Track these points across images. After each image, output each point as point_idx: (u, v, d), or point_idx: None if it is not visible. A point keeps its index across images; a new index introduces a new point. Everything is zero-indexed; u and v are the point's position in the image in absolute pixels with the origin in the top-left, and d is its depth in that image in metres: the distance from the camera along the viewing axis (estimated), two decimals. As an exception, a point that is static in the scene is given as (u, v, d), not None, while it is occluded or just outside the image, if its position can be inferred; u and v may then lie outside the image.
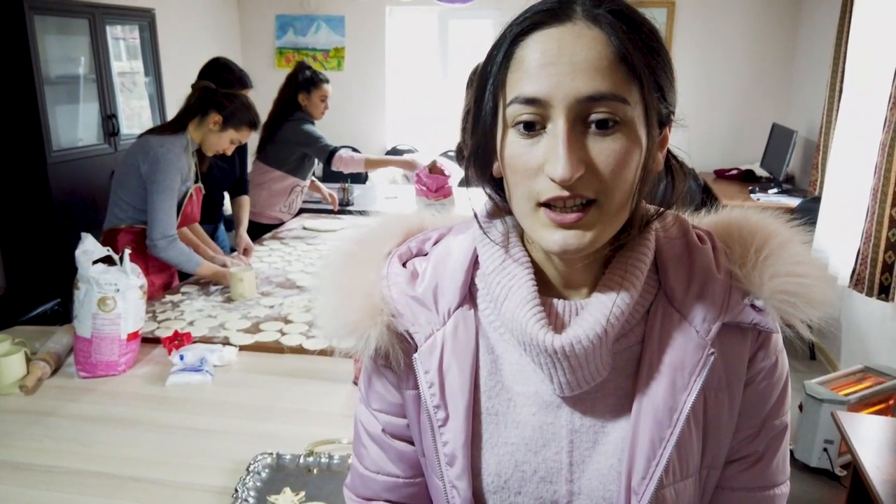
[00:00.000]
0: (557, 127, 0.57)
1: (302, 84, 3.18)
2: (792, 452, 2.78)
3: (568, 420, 0.68)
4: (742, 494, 0.72)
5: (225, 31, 5.70)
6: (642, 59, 0.58)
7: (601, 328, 0.63)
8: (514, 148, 0.60)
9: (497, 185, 0.67)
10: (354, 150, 3.74)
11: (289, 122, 3.20)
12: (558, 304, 0.67)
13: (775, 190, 4.29)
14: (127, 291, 1.73)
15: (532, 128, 0.59)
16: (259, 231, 3.12)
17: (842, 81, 3.56)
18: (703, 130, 5.35)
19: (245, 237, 2.86)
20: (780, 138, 4.49)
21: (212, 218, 2.85)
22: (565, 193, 0.58)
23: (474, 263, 0.71)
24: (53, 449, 1.39)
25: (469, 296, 0.71)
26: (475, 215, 0.71)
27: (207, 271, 2.34)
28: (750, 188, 4.42)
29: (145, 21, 4.28)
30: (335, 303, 0.72)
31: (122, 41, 4.26)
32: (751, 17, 5.09)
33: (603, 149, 0.58)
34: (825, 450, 2.64)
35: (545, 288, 0.68)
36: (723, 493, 0.72)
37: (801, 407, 2.73)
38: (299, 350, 1.87)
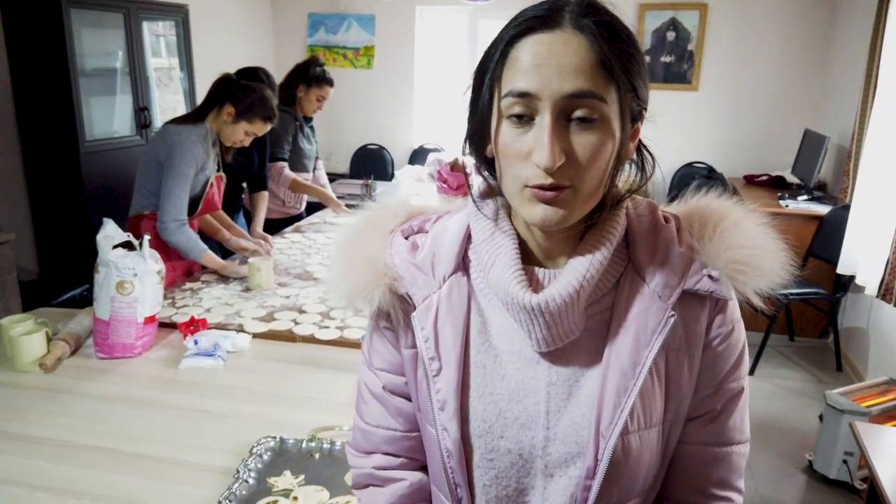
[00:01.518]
0: (544, 120, 0.66)
1: (310, 78, 3.17)
2: (811, 463, 2.73)
3: (546, 374, 0.76)
4: (700, 448, 0.80)
5: (258, 27, 5.79)
6: (619, 64, 0.67)
7: (573, 289, 0.72)
8: (506, 136, 0.70)
9: (490, 165, 0.77)
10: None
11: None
12: (539, 271, 0.77)
13: (805, 197, 4.20)
14: (145, 276, 1.78)
15: (522, 118, 0.68)
16: (270, 225, 3.13)
17: (875, 88, 3.48)
18: (734, 135, 5.27)
19: (260, 230, 2.90)
20: (811, 144, 4.40)
21: (229, 208, 2.89)
22: (549, 181, 0.67)
23: (468, 238, 0.81)
24: (66, 425, 1.43)
25: (462, 265, 0.81)
26: (470, 195, 0.81)
27: (210, 262, 2.38)
28: (779, 194, 4.34)
29: (179, 17, 4.37)
30: (345, 268, 0.82)
31: (163, 38, 4.36)
32: (784, 20, 5.00)
33: (582, 140, 0.67)
34: (845, 462, 2.59)
35: (529, 258, 0.78)
36: (683, 447, 0.80)
37: (821, 417, 2.68)
38: (311, 339, 1.89)
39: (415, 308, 0.80)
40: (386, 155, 5.93)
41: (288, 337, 1.91)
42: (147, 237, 1.82)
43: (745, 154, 5.26)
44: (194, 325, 1.89)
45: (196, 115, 2.36)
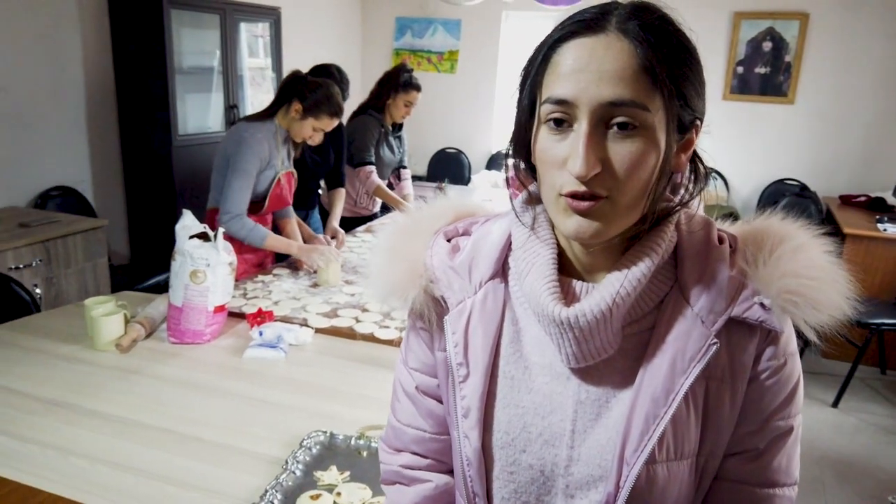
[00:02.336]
0: (581, 127, 0.64)
1: (398, 84, 3.22)
2: (895, 506, 2.54)
3: (575, 391, 0.73)
4: (738, 486, 0.74)
5: (347, 30, 5.94)
6: (666, 70, 0.63)
7: (605, 305, 0.69)
8: (544, 142, 0.68)
9: (534, 171, 0.74)
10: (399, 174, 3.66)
11: (361, 117, 3.25)
12: (576, 284, 0.74)
13: (906, 221, 3.93)
14: (217, 267, 1.85)
15: (560, 124, 0.66)
16: (342, 224, 3.19)
17: None
18: (831, 152, 5.00)
19: (335, 226, 2.96)
20: (917, 165, 4.11)
21: (304, 204, 2.97)
22: (582, 189, 0.65)
23: (509, 244, 0.79)
24: (134, 404, 1.51)
25: (502, 272, 0.79)
26: (511, 200, 0.79)
27: (276, 245, 2.44)
28: (877, 217, 4.07)
29: (272, 18, 4.54)
30: (384, 265, 0.82)
31: (260, 38, 4.55)
32: (891, 33, 4.69)
33: (620, 150, 0.64)
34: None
35: (568, 270, 0.76)
36: (720, 483, 0.75)
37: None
38: (371, 338, 1.92)
39: (448, 311, 0.79)
40: (464, 159, 5.96)
41: (349, 334, 1.94)
42: (221, 229, 1.89)
43: (842, 173, 4.98)
44: (261, 317, 1.95)
45: (266, 112, 2.43)
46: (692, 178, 0.74)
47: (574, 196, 0.65)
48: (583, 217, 0.66)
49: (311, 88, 2.40)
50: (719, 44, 5.11)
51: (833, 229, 3.51)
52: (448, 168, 5.87)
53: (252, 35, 4.47)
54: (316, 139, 2.49)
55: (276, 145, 2.43)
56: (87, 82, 3.68)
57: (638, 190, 0.66)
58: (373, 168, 3.26)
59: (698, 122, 0.69)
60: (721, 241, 0.74)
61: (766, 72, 5.09)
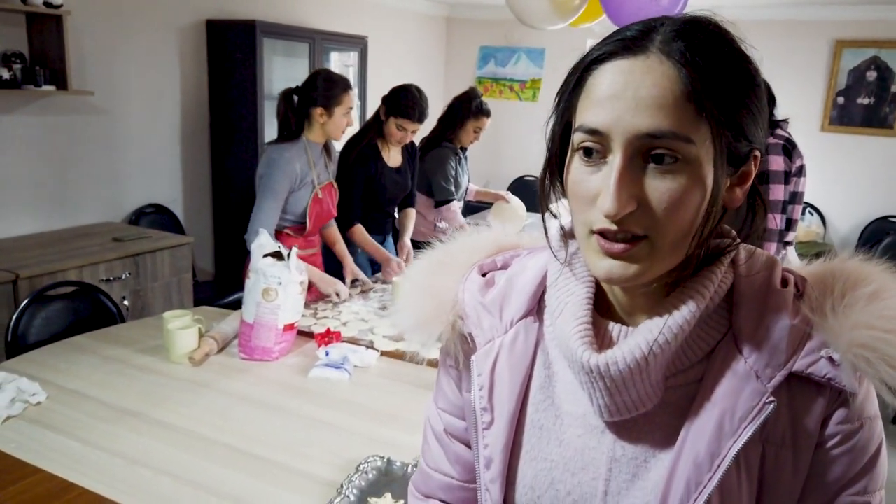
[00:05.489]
0: (615, 160, 0.57)
1: (469, 110, 3.22)
2: None
3: (610, 447, 0.66)
4: None
5: (431, 59, 6.05)
6: (715, 97, 0.56)
7: (641, 353, 0.61)
8: (576, 174, 0.61)
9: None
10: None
11: (437, 150, 3.25)
12: (613, 327, 0.66)
13: None
14: (288, 285, 1.87)
15: (592, 154, 0.59)
16: (417, 248, 3.20)
17: None
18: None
19: (408, 244, 2.96)
20: None
21: (380, 230, 2.99)
22: (614, 227, 0.58)
23: (546, 280, 0.72)
24: (199, 417, 1.53)
25: (537, 310, 0.72)
26: (546, 234, 0.71)
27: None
28: None
29: (359, 47, 4.67)
30: (414, 299, 0.76)
31: (351, 68, 4.67)
32: None
33: (658, 186, 0.57)
34: None
35: (607, 312, 0.68)
36: None
37: None
38: (435, 364, 1.87)
39: (476, 350, 0.73)
40: (544, 187, 5.89)
41: (414, 359, 1.92)
42: (295, 249, 1.92)
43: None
44: (329, 337, 1.96)
45: (289, 133, 2.41)
46: (751, 214, 0.65)
47: (606, 235, 0.58)
48: (616, 259, 0.59)
49: (310, 88, 2.39)
50: (818, 73, 4.86)
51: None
52: (525, 196, 5.76)
53: (342, 64, 4.59)
54: (352, 123, 2.47)
55: (309, 161, 2.42)
56: (182, 106, 3.88)
57: (681, 230, 0.58)
58: (459, 205, 3.28)
59: (757, 153, 0.61)
60: (786, 283, 0.65)
61: (870, 102, 4.80)
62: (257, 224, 2.34)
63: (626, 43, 0.58)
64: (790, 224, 2.50)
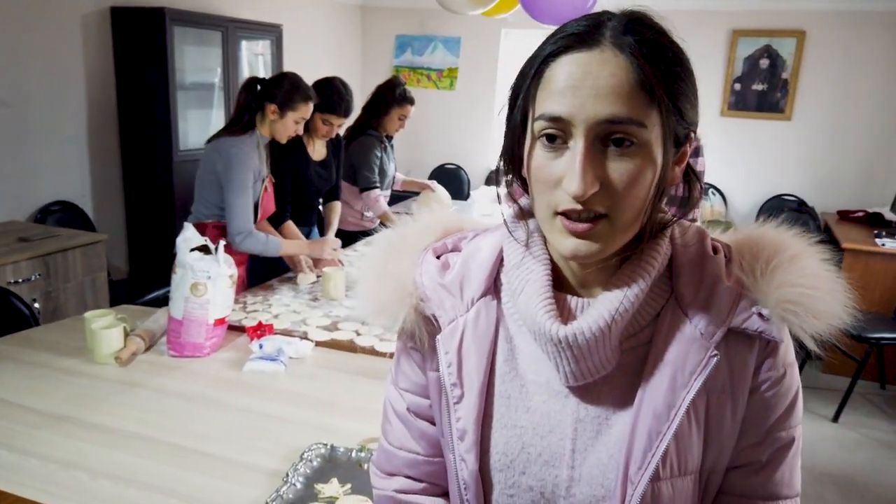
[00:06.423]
0: (577, 145, 0.62)
1: (393, 98, 3.25)
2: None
3: (574, 409, 0.72)
4: (742, 501, 0.73)
5: (347, 48, 5.99)
6: (663, 86, 0.62)
7: (604, 322, 0.67)
8: (538, 160, 0.66)
9: (526, 185, 0.72)
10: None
11: (362, 138, 3.27)
12: (571, 300, 0.72)
13: (905, 236, 3.94)
14: (218, 279, 1.85)
15: (554, 140, 0.64)
16: (344, 237, 3.20)
17: None
18: (828, 168, 5.03)
19: (333, 240, 2.96)
20: (914, 181, 4.13)
21: (307, 221, 2.97)
22: (579, 207, 0.63)
23: (500, 260, 0.77)
24: (134, 417, 1.50)
25: (494, 288, 0.77)
26: (503, 217, 0.77)
27: (292, 248, 2.46)
28: (875, 232, 4.09)
29: (273, 36, 4.57)
30: (372, 285, 0.79)
31: (261, 56, 4.57)
32: (888, 50, 4.74)
33: (618, 167, 0.63)
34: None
35: (562, 286, 0.74)
36: (724, 497, 0.74)
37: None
38: (371, 351, 1.92)
39: (440, 330, 0.77)
40: (463, 175, 5.98)
41: (349, 347, 1.94)
42: (223, 242, 1.90)
43: (839, 188, 5.00)
44: (261, 330, 1.95)
45: (243, 125, 2.40)
46: (686, 189, 0.72)
47: (572, 215, 0.64)
48: (580, 238, 0.64)
49: (275, 85, 2.40)
50: (717, 61, 5.15)
51: (832, 244, 3.52)
52: (447, 183, 5.81)
53: (253, 53, 4.49)
54: (300, 131, 2.48)
55: (260, 155, 2.42)
56: (88, 98, 3.70)
57: (636, 207, 0.64)
58: (380, 192, 3.30)
59: (692, 135, 0.68)
60: (716, 251, 0.73)
61: (764, 88, 5.13)
62: (240, 224, 2.33)
63: (580, 37, 0.63)
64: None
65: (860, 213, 4.58)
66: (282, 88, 2.39)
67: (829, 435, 3.25)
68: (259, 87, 2.42)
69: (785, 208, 4.97)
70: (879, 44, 4.76)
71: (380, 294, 0.78)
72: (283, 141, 2.49)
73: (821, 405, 3.51)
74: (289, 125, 2.43)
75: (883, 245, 3.82)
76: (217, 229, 2.42)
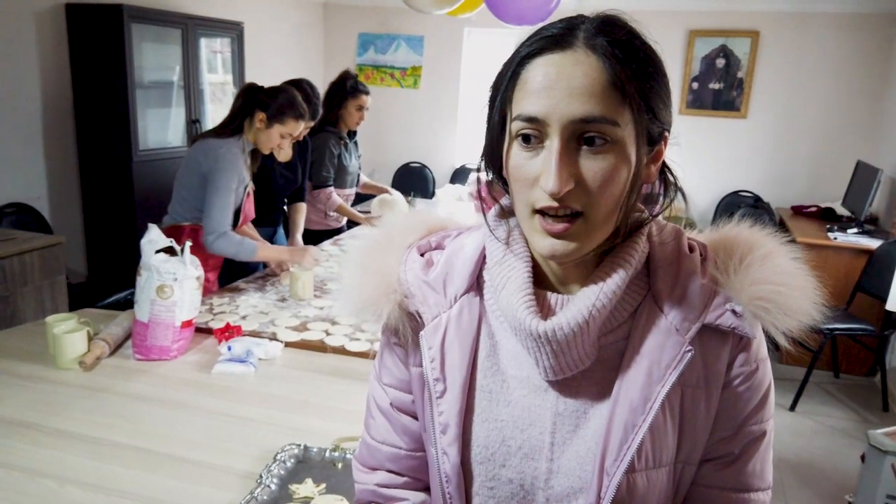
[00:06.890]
0: (553, 144, 0.64)
1: (346, 91, 3.25)
2: (852, 506, 2.62)
3: (553, 404, 0.74)
4: (715, 493, 0.75)
5: (309, 46, 5.94)
6: (635, 85, 0.64)
7: (582, 318, 0.69)
8: (516, 159, 0.68)
9: (507, 185, 0.74)
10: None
11: (319, 135, 3.27)
12: (551, 296, 0.74)
13: (855, 230, 4.08)
14: (184, 281, 1.83)
15: (530, 140, 0.66)
16: (309, 237, 3.19)
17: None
18: (783, 164, 5.17)
19: (300, 241, 2.95)
20: (863, 177, 4.28)
21: (271, 221, 2.95)
22: (556, 204, 0.65)
23: (483, 258, 0.79)
24: (101, 422, 1.48)
25: (476, 286, 0.78)
26: (484, 215, 0.79)
27: (270, 253, 2.44)
28: (828, 226, 4.23)
29: (234, 34, 4.51)
30: (356, 281, 0.80)
31: (219, 54, 4.51)
32: (838, 50, 4.90)
33: (592, 166, 0.64)
34: (888, 506, 2.48)
35: (543, 283, 0.76)
36: (697, 489, 0.76)
37: (863, 458, 2.58)
38: (341, 350, 1.91)
39: (424, 326, 0.78)
40: (428, 173, 5.99)
41: (319, 347, 1.94)
42: (189, 244, 1.87)
43: (793, 184, 5.15)
44: (229, 332, 1.93)
45: (232, 127, 2.39)
46: (662, 188, 0.75)
47: (549, 212, 0.65)
48: (558, 238, 0.66)
49: (270, 95, 2.39)
50: (675, 60, 5.25)
51: (787, 238, 3.62)
52: (412, 182, 5.88)
53: (212, 51, 4.43)
54: (284, 146, 2.47)
55: (245, 160, 2.41)
56: (43, 96, 3.60)
57: (611, 204, 0.66)
58: (332, 189, 3.29)
59: (666, 134, 0.70)
60: (692, 249, 0.75)
61: (720, 87, 5.26)
62: (215, 224, 2.30)
63: (554, 39, 0.65)
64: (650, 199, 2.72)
65: (813, 208, 4.73)
66: (276, 100, 2.38)
67: (786, 423, 3.36)
68: (255, 94, 2.39)
69: (742, 204, 5.10)
70: (829, 44, 4.92)
71: (364, 290, 0.79)
72: (266, 152, 2.47)
73: (779, 394, 3.62)
74: (273, 137, 2.41)
75: (835, 239, 3.95)
76: (195, 232, 2.38)
